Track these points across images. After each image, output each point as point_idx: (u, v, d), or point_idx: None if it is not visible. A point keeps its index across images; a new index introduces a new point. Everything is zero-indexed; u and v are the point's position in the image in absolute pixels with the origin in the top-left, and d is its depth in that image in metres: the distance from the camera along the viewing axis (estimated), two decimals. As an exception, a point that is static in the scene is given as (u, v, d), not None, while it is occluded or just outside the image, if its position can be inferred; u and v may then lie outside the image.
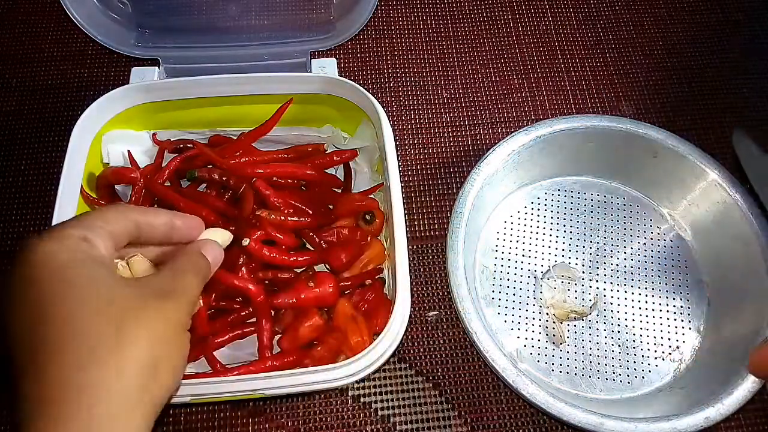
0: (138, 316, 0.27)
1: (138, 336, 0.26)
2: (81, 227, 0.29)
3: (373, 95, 0.51)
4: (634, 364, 0.52)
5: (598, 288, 0.54)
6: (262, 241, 0.48)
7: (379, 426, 0.50)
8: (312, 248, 0.52)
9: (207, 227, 0.39)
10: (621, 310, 0.53)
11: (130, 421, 0.25)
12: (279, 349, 0.48)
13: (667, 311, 0.54)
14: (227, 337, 0.48)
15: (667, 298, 0.54)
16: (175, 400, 0.42)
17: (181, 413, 0.50)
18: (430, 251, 0.56)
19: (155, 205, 0.53)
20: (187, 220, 0.37)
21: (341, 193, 0.56)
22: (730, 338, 0.50)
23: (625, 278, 0.55)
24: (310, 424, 0.49)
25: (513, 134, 0.54)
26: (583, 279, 0.55)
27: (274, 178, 0.53)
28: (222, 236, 0.40)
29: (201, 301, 0.37)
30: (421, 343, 0.53)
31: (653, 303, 0.54)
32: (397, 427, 0.49)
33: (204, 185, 0.55)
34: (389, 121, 0.50)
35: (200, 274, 0.34)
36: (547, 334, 0.53)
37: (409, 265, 0.45)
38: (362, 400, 0.50)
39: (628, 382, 0.51)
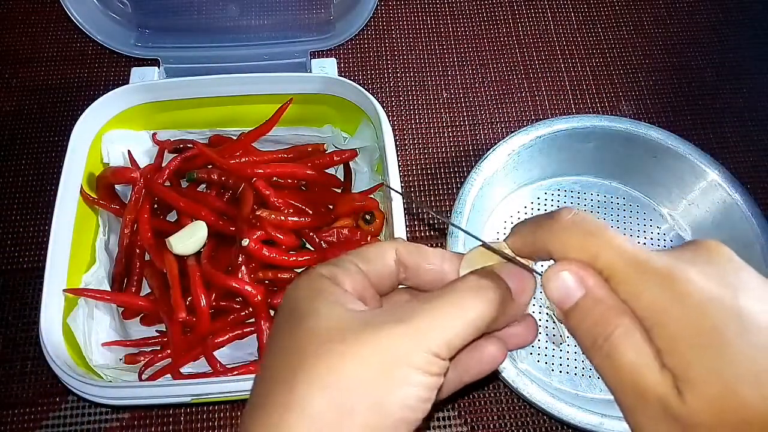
0: (337, 349, 0.23)
1: (318, 373, 0.23)
2: (332, 265, 0.27)
3: (373, 95, 0.51)
4: (634, 364, 0.51)
5: (598, 288, 0.54)
6: (262, 241, 0.48)
7: (379, 426, 0.49)
8: (312, 248, 0.52)
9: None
10: (621, 310, 0.53)
11: None
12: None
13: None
14: (227, 337, 0.48)
15: (667, 298, 0.54)
16: (175, 400, 0.42)
17: (181, 413, 0.50)
18: (430, 251, 0.56)
19: (155, 205, 0.53)
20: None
21: (341, 193, 0.56)
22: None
23: (625, 278, 0.55)
24: (310, 424, 0.49)
25: (513, 134, 0.54)
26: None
27: (274, 178, 0.53)
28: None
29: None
30: (421, 343, 0.53)
31: (653, 303, 0.54)
32: (397, 427, 0.49)
33: (204, 185, 0.55)
34: (389, 121, 0.50)
35: (472, 304, 0.24)
36: (547, 334, 0.53)
37: (409, 265, 0.45)
38: (362, 400, 0.50)
39: (628, 382, 0.51)
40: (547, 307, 0.53)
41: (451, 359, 0.24)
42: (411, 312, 0.24)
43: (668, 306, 0.21)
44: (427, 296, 0.25)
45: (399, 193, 0.26)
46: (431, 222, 0.58)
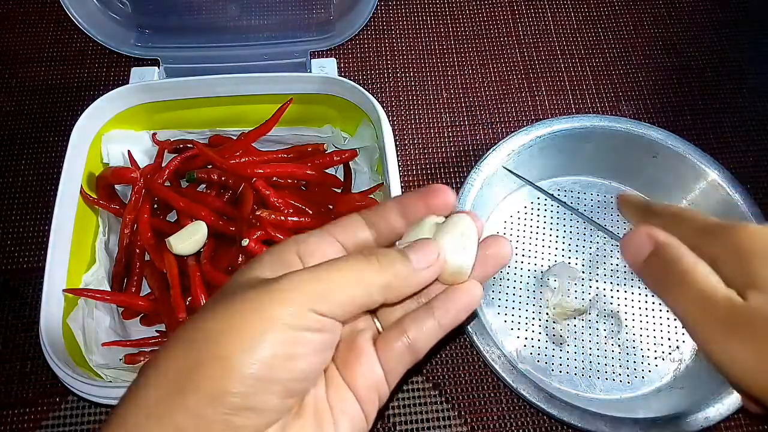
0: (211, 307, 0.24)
1: (179, 337, 0.24)
2: (308, 234, 0.28)
3: (373, 95, 0.51)
4: (634, 364, 0.52)
5: (598, 288, 0.54)
6: (262, 241, 0.48)
7: (378, 426, 0.49)
8: (312, 248, 0.52)
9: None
10: (621, 310, 0.53)
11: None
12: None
13: (667, 311, 0.54)
14: (227, 337, 0.48)
15: (667, 298, 0.54)
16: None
17: (181, 413, 0.50)
18: (430, 251, 0.56)
19: (155, 205, 0.53)
20: (418, 194, 0.29)
21: (341, 193, 0.56)
22: (730, 338, 0.50)
23: (625, 278, 0.55)
24: (310, 424, 0.49)
25: (513, 134, 0.54)
26: (583, 279, 0.55)
27: (274, 178, 0.53)
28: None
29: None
30: (421, 343, 0.53)
31: (653, 303, 0.54)
32: (397, 427, 0.49)
33: (204, 185, 0.55)
34: (389, 121, 0.50)
35: (358, 267, 0.25)
36: (547, 334, 0.53)
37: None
38: (362, 400, 0.50)
39: (628, 382, 0.51)
40: (548, 308, 0.53)
41: (344, 323, 0.25)
42: (300, 270, 0.25)
43: (738, 246, 0.26)
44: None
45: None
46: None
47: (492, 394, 0.51)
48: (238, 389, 0.22)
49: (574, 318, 0.53)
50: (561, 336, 0.52)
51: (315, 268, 0.25)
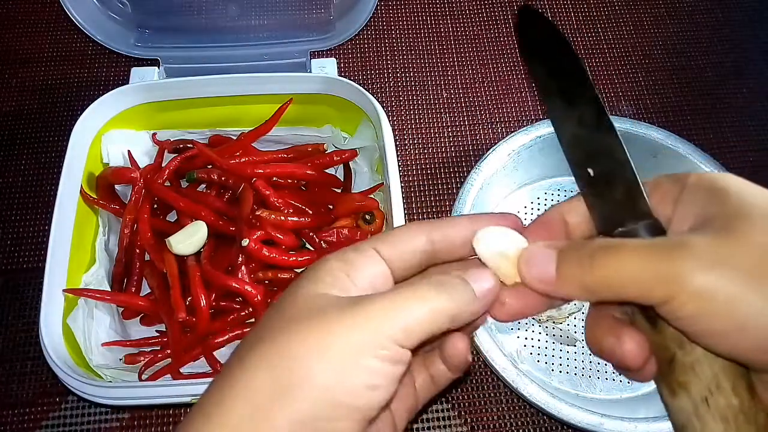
0: (294, 328, 0.24)
1: (263, 357, 0.24)
2: (352, 250, 0.27)
3: (373, 95, 0.51)
4: (634, 364, 0.51)
5: (598, 288, 0.54)
6: (262, 241, 0.48)
7: (379, 426, 0.50)
8: (312, 248, 0.52)
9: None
10: (621, 310, 0.53)
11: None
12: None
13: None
14: (227, 337, 0.48)
15: (667, 298, 0.54)
16: (175, 400, 0.42)
17: (181, 413, 0.50)
18: (430, 251, 0.56)
19: (155, 205, 0.53)
20: (494, 219, 0.29)
21: (341, 193, 0.56)
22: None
23: (625, 278, 0.55)
24: (310, 424, 0.49)
25: (513, 134, 0.54)
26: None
27: (274, 178, 0.53)
28: None
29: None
30: (421, 343, 0.53)
31: (653, 303, 0.54)
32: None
33: (204, 185, 0.55)
34: (389, 121, 0.50)
35: (436, 301, 0.25)
36: (554, 335, 0.53)
37: (409, 265, 0.45)
38: (362, 400, 0.50)
39: (628, 382, 0.51)
40: (548, 317, 0.53)
41: (414, 352, 0.24)
42: (376, 298, 0.24)
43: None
44: (396, 286, 0.26)
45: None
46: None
47: (492, 394, 0.51)
48: (327, 414, 0.23)
49: (575, 318, 0.53)
50: (568, 337, 0.52)
51: (393, 298, 0.24)
